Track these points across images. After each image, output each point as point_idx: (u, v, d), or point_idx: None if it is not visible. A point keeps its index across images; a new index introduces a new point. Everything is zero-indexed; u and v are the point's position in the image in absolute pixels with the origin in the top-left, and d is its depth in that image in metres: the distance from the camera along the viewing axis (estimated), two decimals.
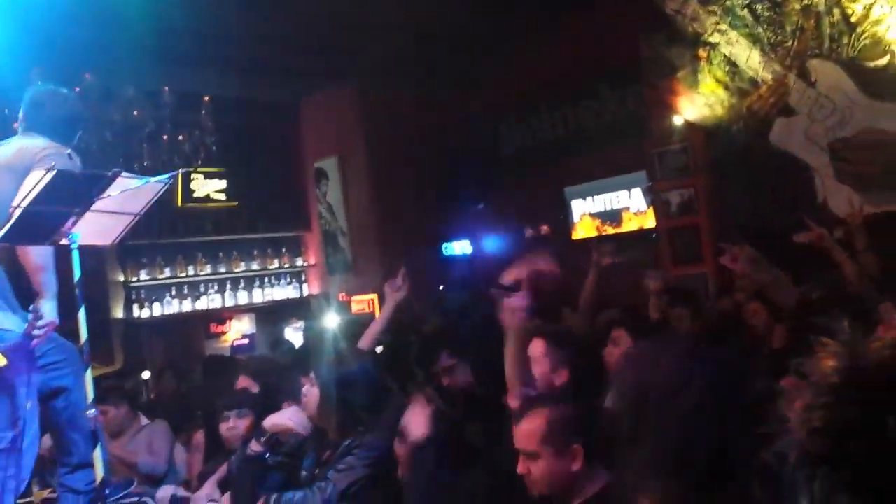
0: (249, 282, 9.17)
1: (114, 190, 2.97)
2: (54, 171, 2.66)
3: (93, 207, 2.96)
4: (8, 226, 2.64)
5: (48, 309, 3.00)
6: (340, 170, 9.27)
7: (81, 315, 2.97)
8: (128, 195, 3.05)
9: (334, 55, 7.89)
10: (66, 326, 3.53)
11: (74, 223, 2.94)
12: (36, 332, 2.94)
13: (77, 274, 2.94)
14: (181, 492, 4.04)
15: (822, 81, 6.34)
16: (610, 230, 8.00)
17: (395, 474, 2.89)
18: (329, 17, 6.91)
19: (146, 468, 4.47)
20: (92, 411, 3.05)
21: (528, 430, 2.38)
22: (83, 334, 2.98)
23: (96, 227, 3.08)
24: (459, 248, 9.28)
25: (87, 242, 3.05)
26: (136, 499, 4.06)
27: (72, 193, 2.82)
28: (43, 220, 2.77)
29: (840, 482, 0.99)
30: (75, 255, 2.94)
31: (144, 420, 4.87)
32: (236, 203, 8.91)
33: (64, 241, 2.94)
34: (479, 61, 8.20)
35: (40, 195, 2.64)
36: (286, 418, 3.35)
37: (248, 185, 8.98)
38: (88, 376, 3.04)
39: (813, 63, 6.36)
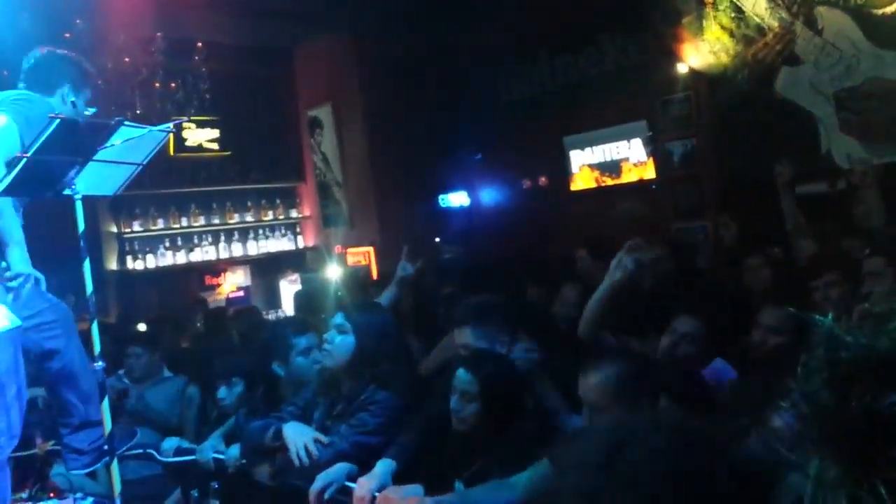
0: (244, 233, 9.08)
1: (116, 140, 2.89)
2: (58, 120, 2.57)
3: (94, 157, 2.88)
4: (11, 176, 2.55)
5: (15, 257, 2.88)
6: (335, 119, 9.11)
7: (86, 266, 2.92)
8: (129, 145, 2.96)
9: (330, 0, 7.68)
10: (67, 277, 3.48)
11: (77, 173, 2.86)
12: (10, 284, 2.84)
13: (81, 225, 2.88)
14: (186, 443, 4.03)
15: (829, 29, 6.23)
16: (609, 181, 7.92)
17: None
18: None
19: (161, 419, 4.48)
20: (99, 364, 3.02)
21: (596, 382, 2.35)
22: (89, 286, 2.93)
23: (98, 177, 3.00)
24: (456, 199, 9.19)
25: (90, 193, 2.97)
26: (140, 451, 4.06)
27: (75, 143, 2.74)
28: (46, 171, 2.69)
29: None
30: (79, 207, 2.88)
31: (166, 372, 4.90)
32: (229, 152, 8.77)
33: (67, 192, 2.87)
34: (478, 6, 8.00)
35: (44, 144, 2.56)
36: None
37: (241, 135, 8.84)
38: (94, 329, 3.00)
39: (820, 10, 6.25)
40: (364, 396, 3.08)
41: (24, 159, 2.58)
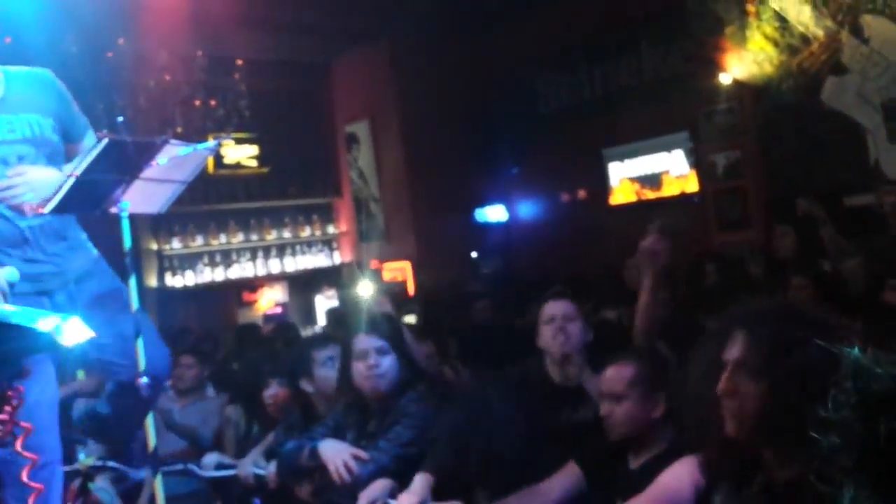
0: (281, 250, 9.11)
1: (161, 158, 2.89)
2: (106, 140, 2.59)
3: (140, 175, 2.88)
4: (60, 195, 2.57)
5: None
6: (372, 134, 9.13)
7: (133, 283, 2.92)
8: (173, 163, 2.97)
9: (366, 13, 7.70)
10: None
11: (123, 191, 2.87)
12: None
13: (128, 243, 2.88)
14: (227, 459, 4.03)
15: (876, 38, 6.10)
16: (649, 194, 7.80)
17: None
18: None
19: (199, 437, 4.48)
20: (143, 379, 3.01)
21: (617, 373, 2.54)
22: (135, 303, 2.92)
23: (143, 195, 3.00)
24: (494, 213, 9.13)
25: (135, 211, 2.97)
26: (181, 466, 4.06)
27: (122, 161, 2.75)
28: (94, 189, 2.70)
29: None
30: (126, 224, 2.88)
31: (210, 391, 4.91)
32: (267, 169, 8.81)
33: (113, 210, 2.87)
34: (514, 16, 7.96)
35: (93, 164, 2.57)
36: None
37: (279, 151, 8.88)
38: (140, 344, 2.98)
39: (866, 18, 6.12)
40: (397, 409, 3.07)
41: (74, 178, 2.59)
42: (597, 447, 2.63)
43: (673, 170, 7.59)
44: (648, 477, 2.08)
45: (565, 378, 3.08)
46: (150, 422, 3.01)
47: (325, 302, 9.11)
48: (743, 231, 6.93)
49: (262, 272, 8.92)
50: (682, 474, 1.89)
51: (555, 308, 3.14)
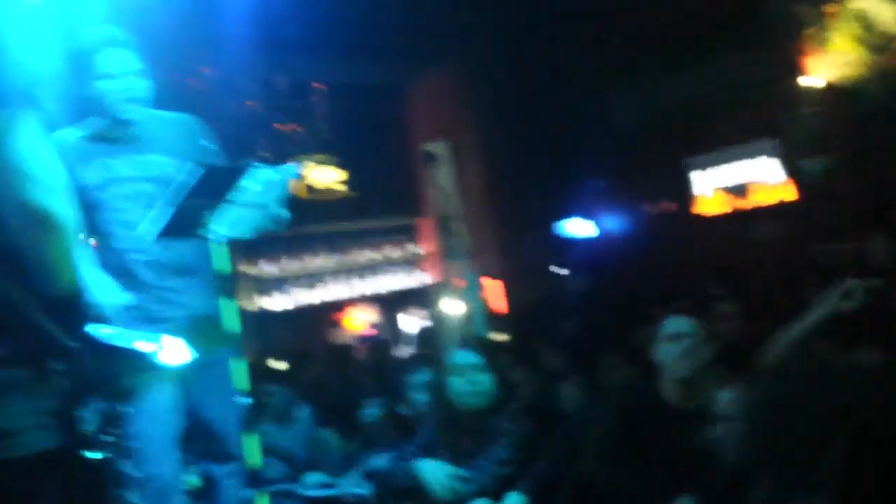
0: (368, 270, 9.24)
1: (248, 182, 2.98)
2: (205, 168, 2.71)
3: (228, 200, 2.98)
4: (165, 223, 2.70)
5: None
6: (452, 152, 9.18)
7: (233, 307, 3.01)
8: (259, 188, 3.06)
9: (443, 34, 7.78)
10: None
11: (211, 216, 2.96)
12: None
13: (228, 268, 2.97)
14: (327, 478, 4.10)
15: None
16: (737, 203, 7.59)
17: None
18: None
19: (295, 458, 4.58)
20: (246, 400, 3.10)
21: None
22: (236, 326, 3.01)
23: (233, 220, 3.09)
24: (579, 227, 9.04)
25: (229, 236, 3.06)
26: (284, 486, 4.16)
27: (212, 187, 2.84)
28: (190, 215, 2.80)
29: None
30: (224, 250, 2.95)
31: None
32: (354, 192, 8.96)
33: (204, 234, 2.95)
34: (592, 28, 7.91)
35: (193, 190, 2.68)
36: None
37: (361, 172, 9.01)
38: (242, 366, 3.08)
39: None
40: (492, 428, 3.09)
41: (175, 207, 2.71)
42: (715, 477, 2.49)
43: (761, 178, 7.37)
44: None
45: (684, 400, 2.92)
46: (254, 443, 3.11)
47: (410, 321, 9.19)
48: (841, 239, 6.67)
49: (350, 293, 9.06)
50: None
51: (679, 325, 3.00)
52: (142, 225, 2.82)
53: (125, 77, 2.85)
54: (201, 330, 2.96)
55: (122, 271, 2.95)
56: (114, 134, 2.96)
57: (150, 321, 2.91)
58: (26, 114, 1.23)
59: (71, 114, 2.99)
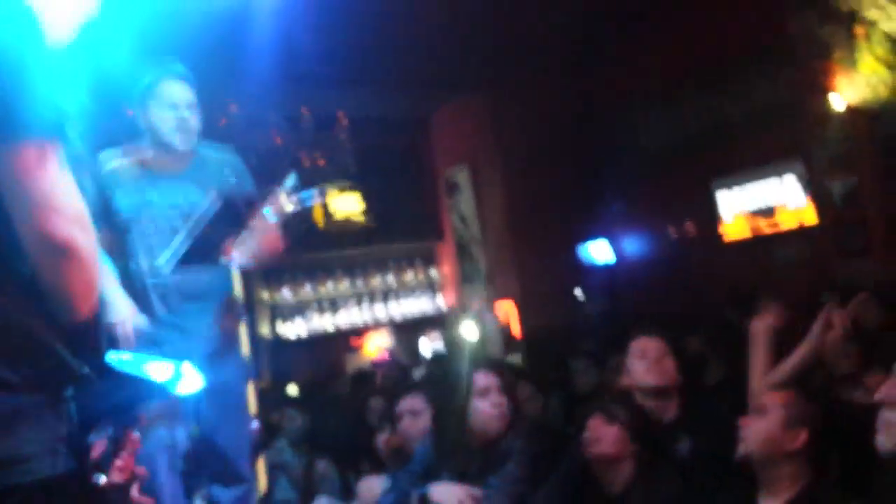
0: (386, 295, 9.26)
1: (268, 210, 3.02)
2: (224, 197, 2.77)
3: (249, 227, 3.00)
4: (184, 250, 2.75)
5: None
6: (472, 178, 9.20)
7: (244, 332, 3.03)
8: (279, 214, 3.09)
9: (464, 62, 7.81)
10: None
11: (233, 243, 2.99)
12: None
13: (239, 292, 2.99)
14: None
15: None
16: (763, 226, 7.50)
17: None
18: (457, 23, 6.83)
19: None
20: (254, 423, 3.10)
21: (773, 391, 2.52)
22: (247, 351, 3.03)
23: (251, 246, 3.11)
24: (599, 251, 8.99)
25: (247, 261, 3.08)
26: None
27: (232, 216, 2.89)
28: (209, 242, 2.85)
29: None
30: (236, 275, 2.99)
31: None
32: (373, 220, 8.99)
33: (226, 261, 2.99)
34: (613, 51, 7.89)
35: (211, 221, 2.74)
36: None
37: (382, 200, 9.06)
38: (251, 390, 3.08)
39: None
40: (503, 449, 3.07)
41: (192, 237, 2.76)
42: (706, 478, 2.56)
43: (787, 201, 7.27)
44: None
45: (661, 412, 3.07)
46: (262, 467, 3.09)
47: (429, 345, 9.17)
48: (865, 260, 6.56)
49: (368, 318, 9.06)
50: None
51: (646, 344, 3.15)
52: (164, 253, 2.91)
53: (182, 109, 2.97)
54: (213, 354, 2.98)
55: (139, 295, 2.99)
56: (159, 162, 3.04)
57: (163, 345, 2.95)
58: (53, 146, 1.24)
59: (98, 143, 3.06)
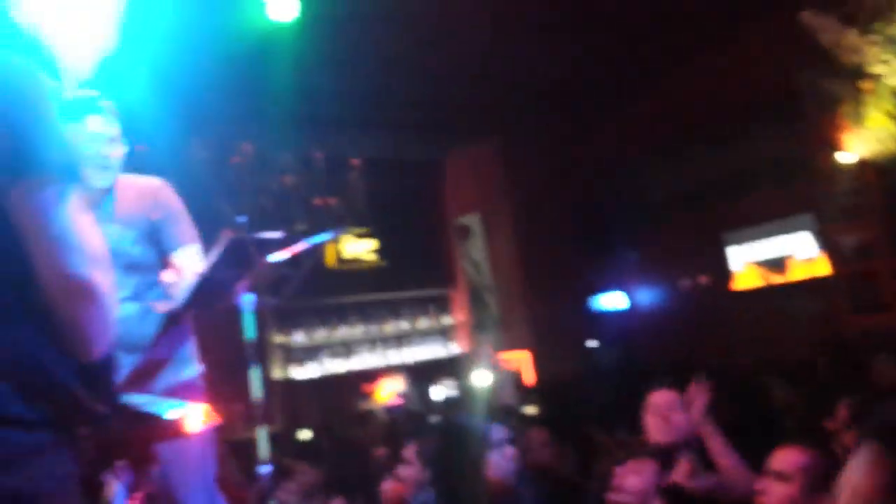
0: (399, 340, 9.25)
1: (279, 252, 3.05)
2: (230, 238, 2.72)
3: (259, 269, 3.02)
4: (190, 292, 2.70)
5: None
6: (484, 225, 9.26)
7: (255, 374, 3.03)
8: (290, 256, 3.12)
9: (477, 110, 7.93)
10: (236, 386, 3.61)
11: (245, 286, 3.01)
12: None
13: (250, 333, 3.00)
14: None
15: None
16: (775, 278, 7.50)
17: None
18: (471, 71, 6.95)
19: None
20: (265, 467, 3.08)
21: (789, 454, 2.34)
22: (257, 393, 3.02)
23: (261, 286, 3.14)
24: (611, 301, 9.00)
25: (256, 302, 3.10)
26: None
27: (243, 257, 2.88)
28: (218, 285, 2.83)
29: None
30: (249, 317, 3.01)
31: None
32: (385, 262, 9.04)
33: (237, 304, 3.01)
34: (624, 103, 7.99)
35: (218, 261, 2.69)
36: None
37: (394, 243, 9.11)
38: (262, 434, 3.08)
39: None
40: (512, 499, 3.06)
41: (202, 277, 2.73)
42: None
43: (798, 253, 7.29)
44: None
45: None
46: None
47: (441, 391, 9.12)
48: (878, 314, 6.53)
49: (381, 363, 9.05)
50: None
51: (658, 398, 3.04)
52: None
53: (102, 144, 2.64)
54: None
55: None
56: (89, 201, 2.91)
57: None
58: (71, 187, 1.26)
59: None
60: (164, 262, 2.70)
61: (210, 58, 5.37)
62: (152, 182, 2.79)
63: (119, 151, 2.71)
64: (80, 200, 1.28)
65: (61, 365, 1.28)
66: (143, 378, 2.62)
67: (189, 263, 2.69)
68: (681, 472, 2.44)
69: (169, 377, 2.76)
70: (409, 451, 3.69)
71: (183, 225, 2.78)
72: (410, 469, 3.61)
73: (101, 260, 1.30)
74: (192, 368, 2.85)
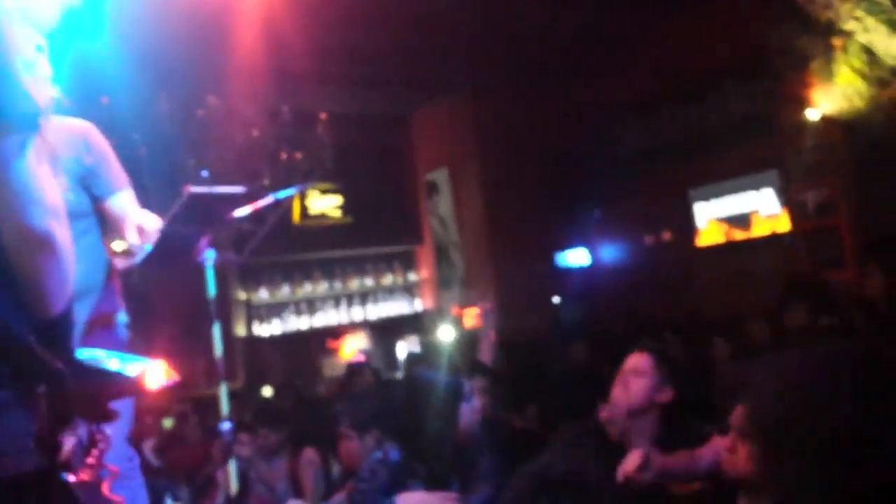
0: (363, 297, 9.23)
1: (242, 208, 2.99)
2: (190, 193, 2.67)
3: (222, 226, 2.97)
4: (153, 249, 2.63)
5: None
6: (452, 181, 9.21)
7: (216, 330, 2.99)
8: (254, 212, 3.06)
9: (446, 65, 7.83)
10: (198, 343, 3.58)
11: (207, 242, 2.95)
12: None
13: (212, 291, 2.96)
14: None
15: None
16: (738, 235, 7.58)
17: None
18: (441, 24, 6.84)
19: (277, 490, 4.52)
20: (226, 424, 3.06)
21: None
22: (218, 350, 2.99)
23: (224, 242, 3.09)
24: (576, 257, 9.04)
25: (219, 258, 3.04)
26: None
27: (205, 213, 2.84)
28: (179, 241, 2.79)
29: None
30: (210, 273, 2.96)
31: None
32: (350, 219, 8.97)
33: (199, 260, 2.95)
34: (595, 59, 7.94)
35: (177, 216, 2.65)
36: None
37: (361, 200, 9.04)
38: (223, 391, 3.05)
39: None
40: (470, 458, 3.04)
41: (162, 233, 2.66)
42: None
43: (762, 209, 7.36)
44: None
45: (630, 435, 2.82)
46: (231, 470, 3.07)
47: (406, 349, 9.14)
48: (837, 271, 6.64)
49: (345, 320, 9.04)
50: None
51: (630, 361, 2.87)
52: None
53: (47, 86, 2.32)
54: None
55: None
56: None
57: None
58: (31, 139, 1.23)
59: None
60: (97, 209, 2.54)
61: (175, 10, 5.22)
62: (81, 124, 2.58)
63: (52, 93, 2.38)
64: (39, 152, 1.24)
65: (19, 321, 1.26)
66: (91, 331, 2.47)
67: (129, 209, 2.53)
68: (630, 464, 2.42)
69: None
70: (344, 426, 3.60)
71: (115, 169, 2.60)
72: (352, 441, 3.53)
73: (59, 213, 1.26)
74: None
